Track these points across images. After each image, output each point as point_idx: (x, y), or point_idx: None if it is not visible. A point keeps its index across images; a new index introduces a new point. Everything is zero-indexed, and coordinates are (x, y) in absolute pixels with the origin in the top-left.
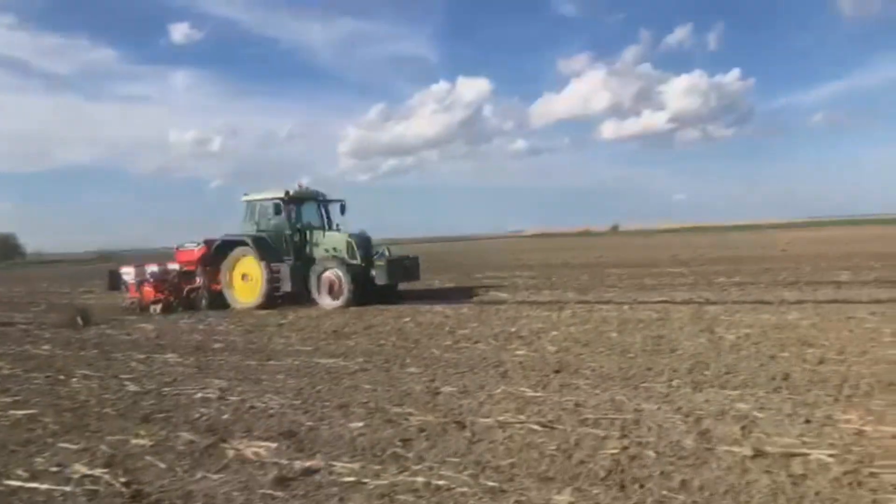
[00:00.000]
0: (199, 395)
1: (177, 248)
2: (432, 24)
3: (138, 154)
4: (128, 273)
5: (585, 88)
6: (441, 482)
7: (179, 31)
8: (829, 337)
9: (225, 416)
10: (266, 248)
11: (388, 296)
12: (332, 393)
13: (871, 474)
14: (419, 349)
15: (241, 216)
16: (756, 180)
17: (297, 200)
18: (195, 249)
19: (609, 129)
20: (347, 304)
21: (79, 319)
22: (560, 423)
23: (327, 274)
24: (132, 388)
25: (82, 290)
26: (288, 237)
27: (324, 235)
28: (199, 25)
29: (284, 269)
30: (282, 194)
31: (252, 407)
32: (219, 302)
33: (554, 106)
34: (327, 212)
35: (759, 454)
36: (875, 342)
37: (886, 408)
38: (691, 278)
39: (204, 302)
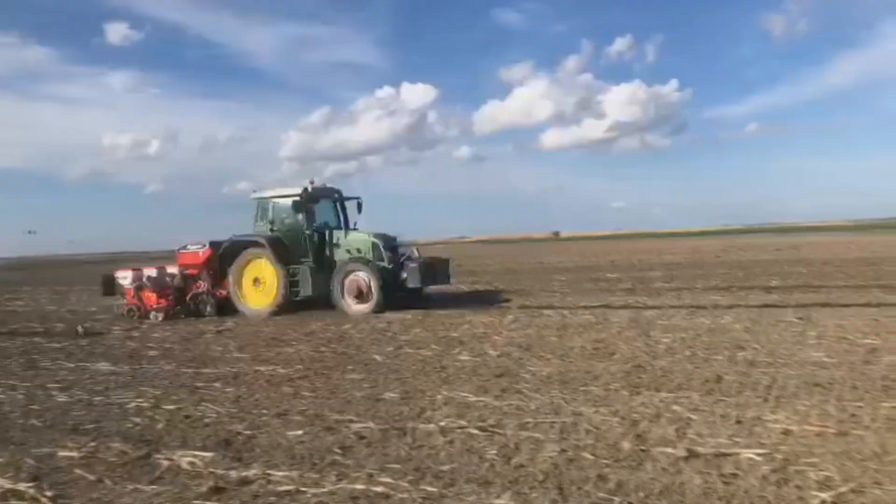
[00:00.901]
0: (132, 404)
1: (178, 251)
2: (377, 30)
3: (72, 157)
4: (124, 277)
5: (528, 97)
6: (380, 489)
7: (117, 32)
8: (760, 340)
9: (159, 426)
10: (282, 249)
11: (413, 299)
12: (271, 401)
13: (797, 472)
14: (361, 355)
15: (253, 215)
16: (692, 189)
17: (314, 198)
18: (199, 252)
19: (551, 138)
20: (376, 310)
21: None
22: (501, 428)
23: (354, 277)
24: (61, 398)
25: (8, 297)
26: (307, 238)
27: (345, 236)
28: (138, 26)
29: (304, 271)
30: (299, 191)
31: (187, 416)
32: (224, 308)
33: (498, 113)
34: (344, 210)
35: (692, 455)
36: (801, 345)
37: (811, 407)
38: (629, 283)
39: (209, 308)
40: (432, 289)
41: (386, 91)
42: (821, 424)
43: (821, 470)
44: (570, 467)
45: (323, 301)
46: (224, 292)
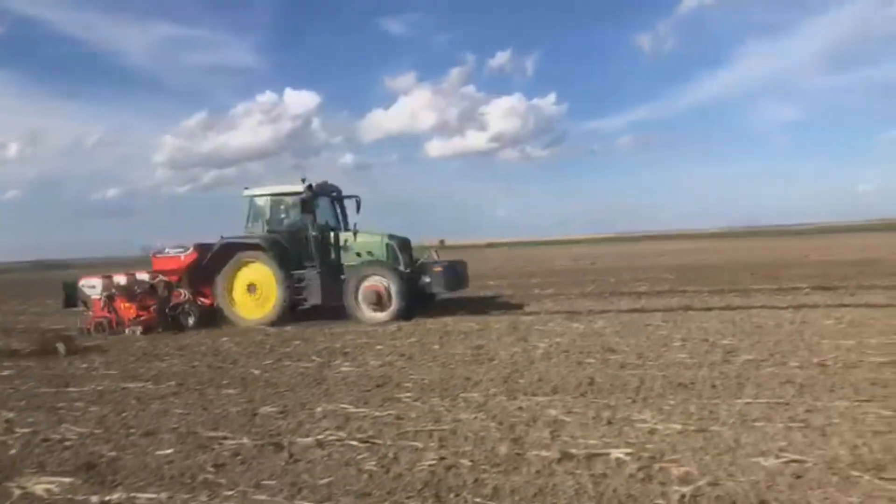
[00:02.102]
0: None
1: (154, 254)
2: (259, 34)
3: None
4: (92, 286)
5: (412, 106)
6: None
7: None
8: (630, 343)
9: (12, 451)
10: (283, 252)
11: (426, 304)
12: (139, 419)
13: (661, 468)
14: (237, 369)
15: (245, 215)
16: (570, 198)
17: (317, 196)
18: (181, 256)
19: (435, 147)
20: (396, 318)
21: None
22: (380, 438)
23: (371, 282)
24: None
25: None
26: (313, 239)
27: (355, 237)
28: None
29: (312, 276)
30: (300, 188)
31: (45, 439)
32: (206, 319)
33: (382, 122)
34: (343, 210)
35: (565, 456)
36: (667, 347)
37: (675, 406)
38: (509, 290)
39: (191, 320)
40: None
41: (268, 96)
42: (683, 422)
43: (682, 465)
44: (448, 475)
45: (330, 310)
46: (207, 301)
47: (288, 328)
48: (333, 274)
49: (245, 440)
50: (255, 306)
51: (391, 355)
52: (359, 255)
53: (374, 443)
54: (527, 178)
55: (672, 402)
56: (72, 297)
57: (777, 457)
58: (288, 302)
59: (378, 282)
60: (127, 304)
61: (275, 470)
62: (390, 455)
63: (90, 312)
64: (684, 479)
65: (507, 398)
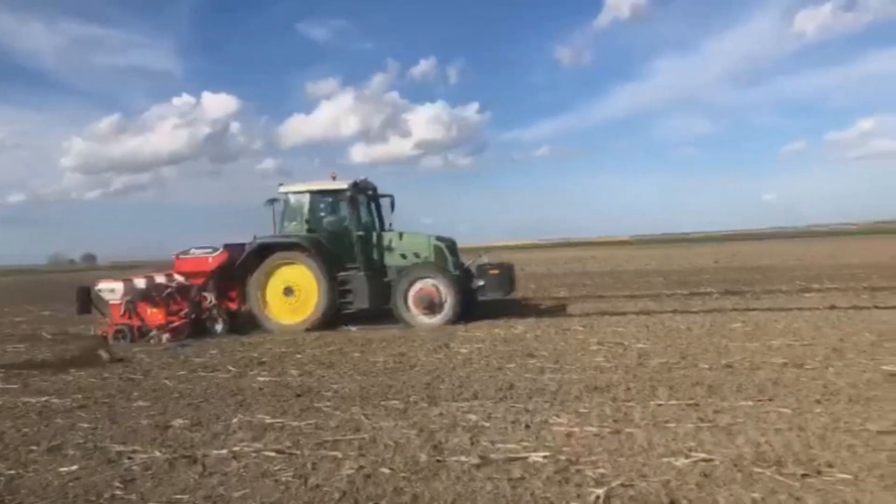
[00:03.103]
0: None
1: (177, 256)
2: (175, 35)
3: None
4: (111, 290)
5: (335, 112)
6: None
7: None
8: (548, 348)
9: None
10: (326, 253)
11: (472, 309)
12: (42, 435)
13: (577, 471)
14: (149, 381)
15: (280, 213)
16: (492, 206)
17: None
18: (209, 257)
19: (359, 153)
20: (450, 321)
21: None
22: (298, 449)
23: (424, 285)
24: None
25: None
26: (357, 239)
27: (400, 237)
28: None
29: (358, 279)
30: (343, 185)
31: None
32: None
33: (304, 127)
34: (378, 208)
35: (484, 462)
36: (585, 351)
37: (591, 409)
38: None
39: (219, 326)
40: None
41: (184, 99)
42: (599, 425)
43: (597, 467)
44: (367, 483)
45: (378, 313)
46: (233, 305)
47: (205, 338)
48: (377, 276)
49: (156, 454)
50: (291, 310)
51: (311, 364)
52: (404, 256)
53: (291, 453)
54: (451, 185)
55: (588, 406)
56: (87, 302)
57: (687, 456)
58: (332, 306)
59: (430, 285)
60: (154, 310)
61: (187, 484)
62: (308, 465)
63: (107, 319)
64: (599, 481)
65: (428, 405)
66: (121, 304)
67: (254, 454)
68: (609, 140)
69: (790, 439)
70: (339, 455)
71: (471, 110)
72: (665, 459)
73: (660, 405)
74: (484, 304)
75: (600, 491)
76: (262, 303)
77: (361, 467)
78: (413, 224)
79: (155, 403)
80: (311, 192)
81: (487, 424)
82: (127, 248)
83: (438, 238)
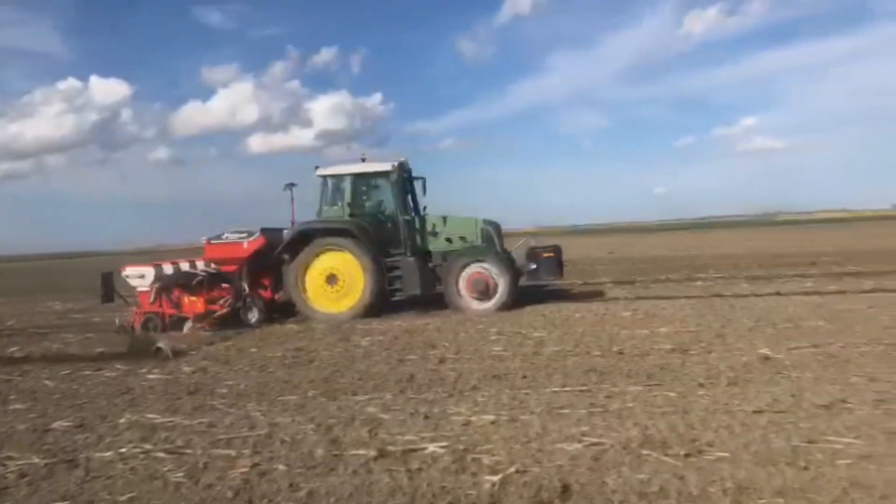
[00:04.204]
0: None
1: (208, 241)
2: (60, 15)
3: None
4: (140, 276)
5: (233, 100)
6: None
7: None
8: (449, 338)
9: None
10: (370, 237)
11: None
12: None
13: (473, 459)
14: (27, 381)
15: (320, 197)
16: None
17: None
18: (244, 242)
19: (257, 143)
20: (503, 306)
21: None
22: (189, 448)
23: (476, 270)
24: None
25: None
26: (404, 224)
27: (444, 221)
28: None
29: (408, 265)
30: (387, 167)
31: None
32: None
33: (200, 115)
34: (413, 191)
35: (382, 454)
36: (484, 341)
37: (489, 398)
38: None
39: (254, 315)
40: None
41: (70, 83)
42: (496, 413)
43: (493, 455)
44: (261, 481)
45: (425, 299)
46: (266, 293)
47: (90, 335)
48: (422, 261)
49: (34, 459)
50: (334, 298)
51: (205, 360)
52: (449, 240)
53: (182, 453)
54: None
55: (486, 394)
56: (111, 290)
57: (579, 441)
58: (380, 293)
59: (483, 269)
60: (192, 297)
61: (68, 489)
62: (200, 465)
63: (133, 307)
64: (494, 468)
65: (327, 399)
66: (150, 290)
67: (142, 455)
68: (511, 133)
69: (675, 421)
70: (233, 453)
71: (374, 101)
72: (558, 445)
73: (554, 392)
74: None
75: (495, 478)
76: (303, 291)
77: (256, 465)
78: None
79: (34, 405)
80: (353, 175)
81: (386, 417)
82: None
83: (486, 221)
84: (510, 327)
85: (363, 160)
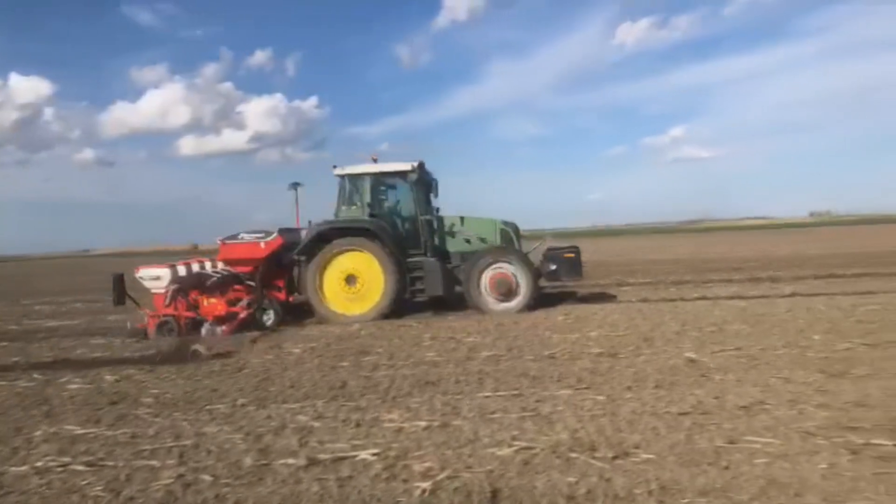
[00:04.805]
0: None
1: (223, 241)
2: None
3: None
4: (155, 277)
5: (163, 101)
6: None
7: None
8: (383, 345)
9: None
10: (391, 238)
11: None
12: None
13: (405, 466)
14: None
15: (338, 196)
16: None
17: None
18: (261, 243)
19: (188, 145)
20: (526, 306)
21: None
22: (111, 460)
23: (499, 270)
24: None
25: None
26: (424, 224)
27: (462, 221)
28: None
29: (430, 265)
30: (407, 167)
31: None
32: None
33: (128, 116)
34: (428, 192)
35: (312, 463)
36: (418, 346)
37: (422, 404)
38: None
39: (269, 318)
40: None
41: None
42: (428, 419)
43: (425, 461)
44: (186, 492)
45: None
46: (280, 295)
47: (3, 343)
48: (442, 261)
49: None
50: (353, 300)
51: (130, 368)
52: (468, 241)
53: (103, 465)
54: (289, 180)
55: (419, 400)
56: (123, 292)
57: (510, 445)
58: (401, 295)
59: (506, 270)
60: (212, 300)
61: None
62: (122, 477)
63: (145, 310)
64: (426, 475)
65: (257, 407)
66: (165, 292)
67: (60, 469)
68: (448, 138)
69: (603, 424)
70: (157, 464)
71: (310, 104)
72: (489, 450)
73: (487, 397)
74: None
75: (426, 484)
76: (320, 292)
77: (181, 475)
78: (243, 221)
79: None
80: (373, 175)
81: (318, 424)
82: None
83: (504, 222)
84: (444, 333)
85: (374, 161)
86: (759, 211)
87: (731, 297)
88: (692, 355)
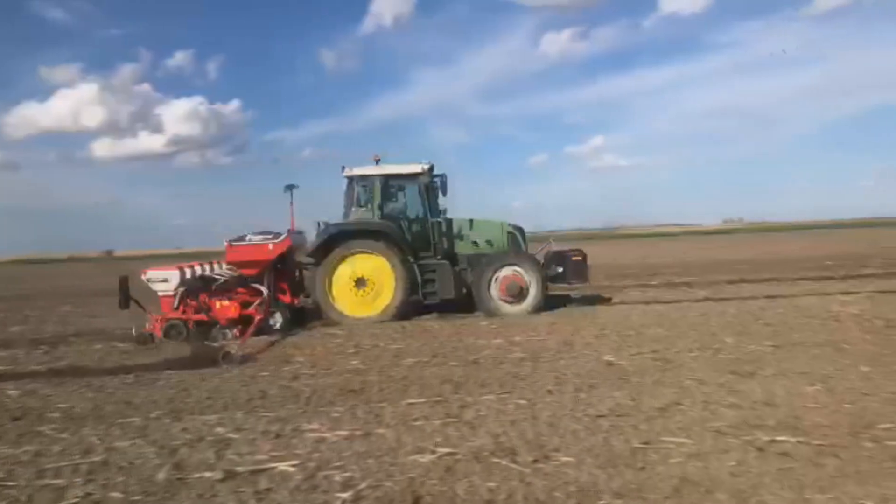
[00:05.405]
0: None
1: (230, 243)
2: None
3: None
4: (164, 279)
5: (75, 102)
6: None
7: None
8: (306, 353)
9: None
10: (403, 240)
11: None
12: None
13: (325, 477)
14: None
15: (347, 198)
16: (254, 207)
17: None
18: (269, 244)
19: (103, 148)
20: (535, 309)
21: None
22: (12, 480)
23: (510, 273)
24: None
25: None
26: (435, 226)
27: (471, 224)
28: None
29: (442, 268)
30: (419, 168)
31: None
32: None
33: (37, 117)
34: (436, 194)
35: (229, 476)
36: (342, 354)
37: (344, 413)
38: None
39: (277, 321)
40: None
41: None
42: (350, 428)
43: (346, 471)
44: None
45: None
46: (287, 298)
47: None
48: (452, 264)
49: None
50: (363, 302)
51: (34, 382)
52: (475, 244)
53: (3, 486)
54: (209, 185)
55: (341, 410)
56: (128, 295)
57: (432, 452)
58: (409, 296)
59: (517, 272)
60: (224, 302)
61: None
62: (23, 498)
63: (152, 314)
64: (346, 484)
65: (172, 420)
66: (174, 295)
67: None
68: (373, 144)
69: (525, 429)
70: (63, 483)
71: (231, 108)
72: (412, 457)
73: (410, 404)
74: None
75: (347, 495)
76: (330, 294)
77: (88, 494)
78: (161, 227)
79: None
80: (384, 176)
81: (236, 436)
82: None
83: (511, 225)
84: (369, 340)
85: (377, 162)
86: (675, 218)
87: (649, 302)
88: (611, 358)
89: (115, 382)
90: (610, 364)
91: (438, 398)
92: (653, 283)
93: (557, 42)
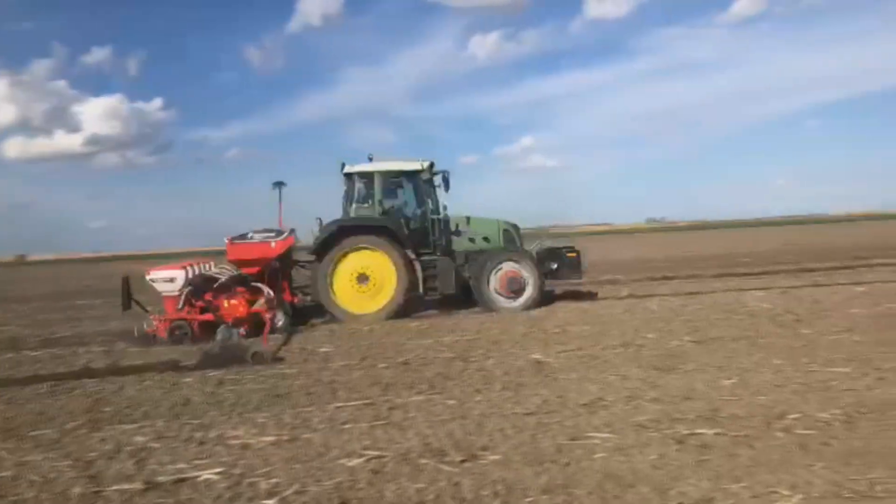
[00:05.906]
0: None
1: (231, 240)
2: None
3: None
4: (169, 279)
5: None
6: None
7: None
8: None
9: None
10: (404, 237)
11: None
12: None
13: (250, 484)
14: None
15: (347, 194)
16: (177, 208)
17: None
18: (271, 242)
19: (15, 147)
20: (533, 304)
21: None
22: None
23: (508, 269)
24: None
25: None
26: (436, 223)
27: (468, 221)
28: None
29: (443, 264)
30: (419, 165)
31: None
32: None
33: None
34: (435, 191)
35: (150, 486)
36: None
37: (270, 418)
38: (104, 309)
39: (279, 319)
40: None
41: None
42: (276, 433)
43: (271, 478)
44: None
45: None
46: (287, 296)
47: None
48: (453, 260)
49: None
50: (364, 298)
51: None
52: (472, 240)
53: None
54: (130, 186)
55: (267, 415)
56: (130, 295)
57: (360, 455)
58: (412, 293)
59: (515, 268)
60: (233, 301)
61: None
62: None
63: (154, 315)
64: (272, 491)
65: (89, 430)
66: (179, 295)
67: None
68: (299, 144)
69: (453, 428)
70: None
71: (153, 107)
72: (340, 461)
73: (338, 407)
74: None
75: (272, 501)
76: (331, 291)
77: None
78: (77, 230)
79: None
80: (385, 173)
81: (157, 445)
82: None
83: (506, 222)
84: (297, 344)
85: (370, 160)
86: (601, 217)
87: (575, 300)
88: (538, 356)
89: (27, 393)
90: (537, 362)
91: (367, 401)
92: (579, 281)
93: (486, 44)
